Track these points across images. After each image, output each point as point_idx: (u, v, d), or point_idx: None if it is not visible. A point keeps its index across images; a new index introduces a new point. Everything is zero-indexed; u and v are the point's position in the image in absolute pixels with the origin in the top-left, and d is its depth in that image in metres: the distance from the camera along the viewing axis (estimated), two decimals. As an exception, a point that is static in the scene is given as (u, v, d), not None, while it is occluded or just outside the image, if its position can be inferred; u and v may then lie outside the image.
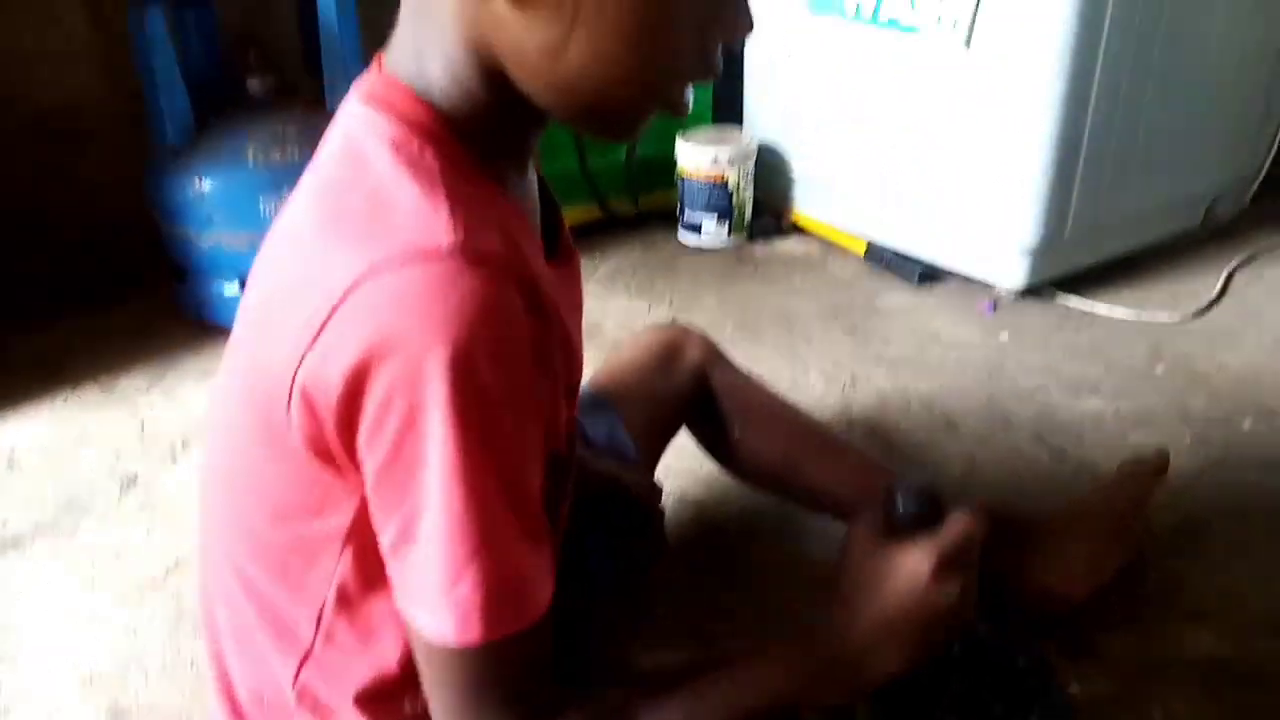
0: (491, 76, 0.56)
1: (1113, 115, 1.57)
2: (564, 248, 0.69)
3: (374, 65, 0.60)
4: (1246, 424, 1.35)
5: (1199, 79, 1.71)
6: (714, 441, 1.11)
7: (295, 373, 0.52)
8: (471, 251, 0.50)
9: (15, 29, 1.74)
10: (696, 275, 1.87)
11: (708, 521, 1.19)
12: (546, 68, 0.54)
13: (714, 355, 1.12)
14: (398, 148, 0.55)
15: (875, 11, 1.70)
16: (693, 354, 1.10)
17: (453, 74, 0.56)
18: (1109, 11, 1.47)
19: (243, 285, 0.58)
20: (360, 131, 0.57)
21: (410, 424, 0.50)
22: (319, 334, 0.51)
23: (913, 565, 0.69)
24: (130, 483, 1.29)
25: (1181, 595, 1.06)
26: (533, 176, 0.67)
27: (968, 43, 1.57)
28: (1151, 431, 1.33)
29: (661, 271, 1.88)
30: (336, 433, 0.53)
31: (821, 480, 1.05)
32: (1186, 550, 1.12)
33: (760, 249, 1.97)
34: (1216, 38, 1.70)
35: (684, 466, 1.22)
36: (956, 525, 0.70)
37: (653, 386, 1.07)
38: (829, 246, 1.95)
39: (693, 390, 1.09)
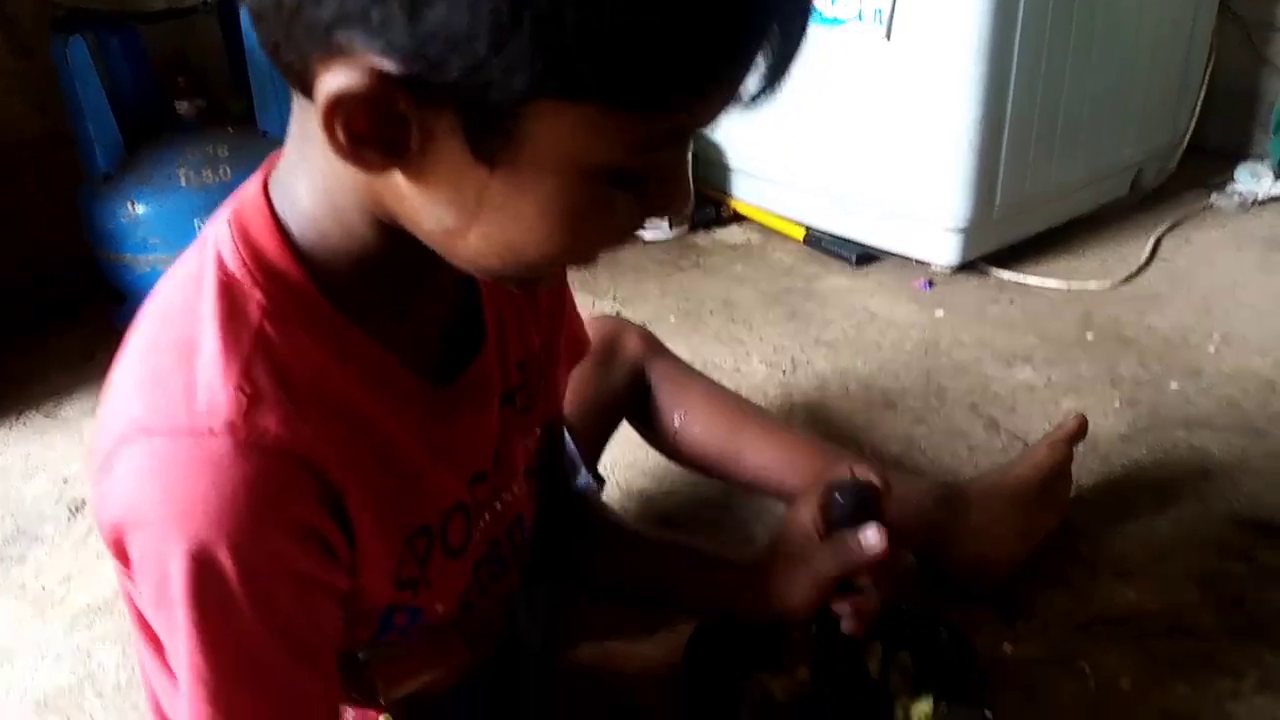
0: (382, 225, 0.54)
1: (1033, 93, 1.61)
2: (479, 368, 0.66)
3: (261, 171, 0.58)
4: (1173, 384, 1.39)
5: (1118, 51, 1.74)
6: (655, 432, 1.12)
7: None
8: (243, 433, 0.50)
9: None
10: (640, 268, 1.88)
11: (656, 512, 1.21)
12: (446, 244, 0.52)
13: (651, 346, 1.13)
14: (226, 291, 0.53)
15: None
16: (630, 347, 1.12)
17: (335, 215, 0.54)
18: (1021, -6, 1.50)
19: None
20: (210, 256, 0.55)
21: (162, 591, 0.52)
22: (99, 478, 0.53)
23: (818, 565, 0.77)
24: (78, 508, 1.29)
25: (1109, 554, 1.09)
26: (451, 282, 0.63)
27: (888, 35, 1.60)
28: (1082, 397, 1.37)
29: (606, 265, 1.89)
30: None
31: (762, 464, 1.07)
32: (1114, 510, 1.15)
33: (702, 239, 1.99)
34: (1134, 9, 1.74)
35: (629, 459, 1.24)
36: (872, 542, 0.75)
37: (592, 382, 1.08)
38: (769, 233, 1.98)
39: (631, 383, 1.11)
